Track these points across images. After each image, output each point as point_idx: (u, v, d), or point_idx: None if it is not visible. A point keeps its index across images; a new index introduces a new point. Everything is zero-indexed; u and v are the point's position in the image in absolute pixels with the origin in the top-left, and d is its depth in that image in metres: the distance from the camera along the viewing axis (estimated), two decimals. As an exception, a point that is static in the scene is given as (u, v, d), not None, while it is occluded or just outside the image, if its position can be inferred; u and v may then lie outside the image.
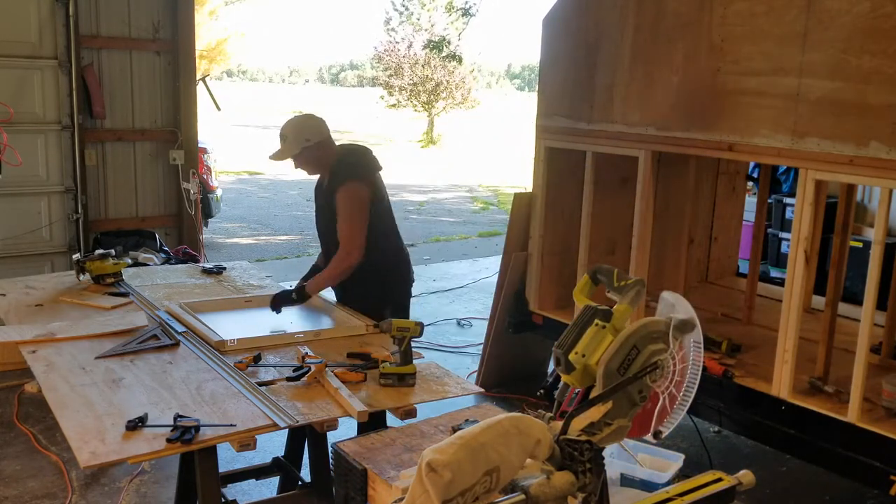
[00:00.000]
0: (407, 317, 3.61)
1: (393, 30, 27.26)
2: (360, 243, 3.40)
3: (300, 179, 17.15)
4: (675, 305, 1.60)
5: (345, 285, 3.53)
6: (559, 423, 1.50)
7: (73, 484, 3.71)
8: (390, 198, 3.69)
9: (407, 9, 26.68)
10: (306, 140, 3.45)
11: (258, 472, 3.41)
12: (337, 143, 3.64)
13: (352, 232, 3.41)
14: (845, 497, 3.92)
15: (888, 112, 3.12)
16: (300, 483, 3.19)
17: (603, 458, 1.51)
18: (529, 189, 4.98)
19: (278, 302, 3.36)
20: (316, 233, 3.78)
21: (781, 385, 3.53)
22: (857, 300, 3.72)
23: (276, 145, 3.54)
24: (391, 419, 2.59)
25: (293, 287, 3.47)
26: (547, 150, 4.74)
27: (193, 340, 2.97)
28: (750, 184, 6.41)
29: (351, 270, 3.41)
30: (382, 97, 28.57)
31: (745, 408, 3.73)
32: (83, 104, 5.85)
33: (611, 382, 1.51)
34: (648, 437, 1.63)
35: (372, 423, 2.47)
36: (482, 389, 4.59)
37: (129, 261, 5.11)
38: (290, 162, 3.53)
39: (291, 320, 3.32)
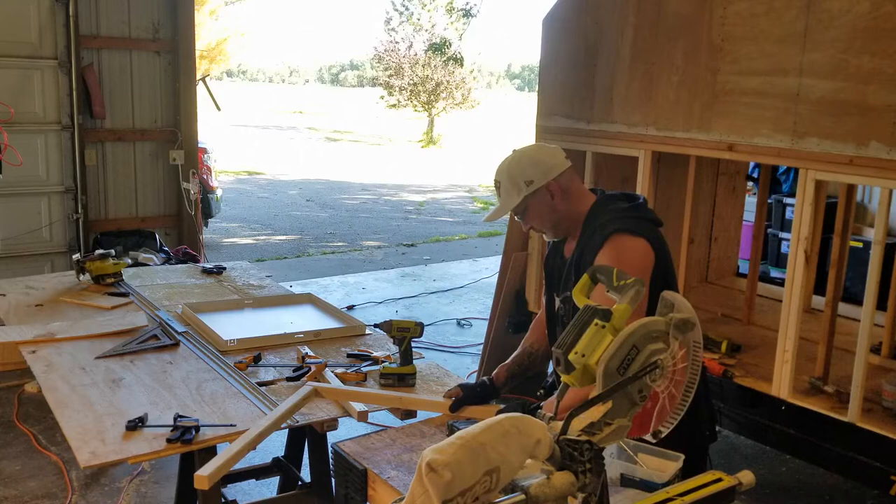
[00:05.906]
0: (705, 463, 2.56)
1: (393, 30, 27.31)
2: None
3: (300, 179, 17.39)
4: (674, 305, 1.60)
5: None
6: (559, 423, 1.50)
7: (73, 484, 3.71)
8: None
9: (407, 9, 26.72)
10: (526, 183, 2.40)
11: (258, 472, 3.41)
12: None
13: None
14: (845, 497, 3.92)
15: (888, 112, 3.12)
16: (300, 483, 3.19)
17: (603, 458, 1.51)
18: (529, 189, 4.97)
19: None
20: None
21: (781, 385, 3.53)
22: (857, 300, 3.72)
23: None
24: (391, 419, 2.59)
25: None
26: (547, 150, 4.74)
27: (193, 340, 2.97)
28: (750, 184, 6.40)
29: None
30: (382, 97, 28.59)
31: (745, 408, 3.73)
32: (83, 104, 5.85)
33: (611, 382, 1.50)
34: (648, 437, 1.63)
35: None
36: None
37: (129, 261, 5.12)
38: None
39: (292, 320, 3.32)
